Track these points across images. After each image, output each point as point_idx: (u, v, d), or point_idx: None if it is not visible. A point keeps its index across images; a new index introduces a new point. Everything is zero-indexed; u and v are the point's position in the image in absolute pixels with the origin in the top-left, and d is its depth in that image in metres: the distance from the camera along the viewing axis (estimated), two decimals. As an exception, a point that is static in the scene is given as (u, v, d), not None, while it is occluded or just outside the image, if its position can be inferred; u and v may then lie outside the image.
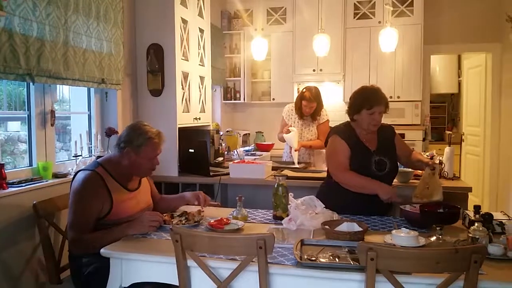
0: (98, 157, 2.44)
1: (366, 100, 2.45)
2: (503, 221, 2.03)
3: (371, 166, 2.46)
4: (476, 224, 1.82)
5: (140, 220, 2.07)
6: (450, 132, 6.00)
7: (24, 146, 2.76)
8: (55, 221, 2.48)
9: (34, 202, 2.31)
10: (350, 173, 2.46)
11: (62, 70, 2.56)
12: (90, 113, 3.26)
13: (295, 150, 3.79)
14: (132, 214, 2.18)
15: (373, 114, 2.44)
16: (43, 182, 2.54)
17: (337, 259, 1.69)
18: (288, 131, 3.81)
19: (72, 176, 2.70)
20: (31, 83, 2.42)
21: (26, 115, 2.61)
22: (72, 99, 3.27)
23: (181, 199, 2.51)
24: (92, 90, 3.23)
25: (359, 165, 2.46)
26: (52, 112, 2.71)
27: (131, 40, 3.48)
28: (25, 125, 2.65)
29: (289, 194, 2.35)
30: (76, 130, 3.16)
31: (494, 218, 2.03)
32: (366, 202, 2.41)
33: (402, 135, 5.13)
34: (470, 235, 1.79)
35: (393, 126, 2.71)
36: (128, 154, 2.17)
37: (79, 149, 2.89)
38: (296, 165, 3.68)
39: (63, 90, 3.17)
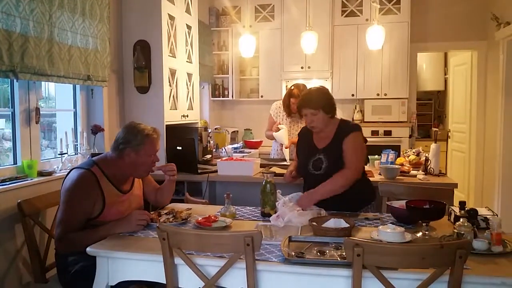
0: (93, 155, 2.40)
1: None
2: (488, 216, 2.06)
3: (309, 165, 2.51)
4: (461, 219, 1.84)
5: (128, 218, 2.06)
6: (436, 129, 6.07)
7: (8, 144, 2.72)
8: (41, 220, 2.45)
9: (19, 200, 2.27)
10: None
11: (47, 66, 2.52)
12: (76, 110, 3.22)
13: (286, 147, 3.80)
14: (122, 216, 2.16)
15: (306, 116, 2.49)
16: (28, 180, 2.50)
17: (324, 255, 1.70)
18: (278, 129, 3.82)
19: (57, 173, 2.71)
20: (14, 80, 2.38)
21: (10, 113, 2.57)
22: (58, 96, 3.23)
23: (167, 181, 2.46)
24: (77, 87, 3.19)
25: (301, 162, 2.61)
26: (37, 109, 2.67)
27: (117, 37, 3.44)
28: (10, 123, 2.61)
29: (277, 191, 2.35)
30: (62, 127, 3.11)
31: (479, 213, 2.05)
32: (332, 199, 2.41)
33: (389, 132, 5.19)
34: (456, 230, 1.82)
35: (355, 129, 2.47)
36: (129, 154, 2.15)
37: (64, 147, 2.86)
38: (288, 162, 3.68)
39: (49, 87, 3.13)
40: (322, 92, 2.53)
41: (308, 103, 2.46)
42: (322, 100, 2.46)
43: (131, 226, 2.04)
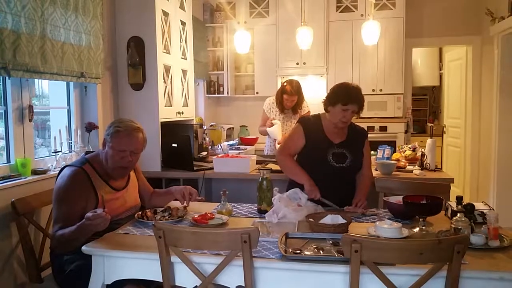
0: (87, 153, 2.37)
1: (344, 95, 2.45)
2: (484, 211, 2.06)
3: (328, 157, 2.50)
4: (458, 214, 1.84)
5: (83, 227, 1.85)
6: (432, 124, 6.04)
7: (1, 143, 2.68)
8: (35, 219, 2.42)
9: (13, 199, 2.24)
10: (287, 157, 2.60)
11: (39, 63, 2.49)
12: (70, 108, 3.19)
13: (278, 143, 3.79)
14: (118, 213, 2.14)
15: (346, 111, 2.45)
16: (21, 179, 2.47)
17: (321, 252, 1.70)
18: (272, 124, 3.81)
19: (52, 172, 2.68)
20: (6, 77, 2.35)
21: (3, 111, 2.54)
22: (51, 94, 3.19)
23: (169, 194, 2.43)
24: (71, 84, 3.16)
25: (315, 154, 2.53)
26: (30, 107, 2.63)
27: (111, 33, 3.41)
28: (2, 121, 2.57)
29: (274, 188, 2.33)
30: (56, 125, 3.08)
31: (476, 208, 2.05)
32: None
33: (385, 128, 5.20)
34: (453, 225, 1.81)
35: (367, 132, 2.72)
36: (104, 145, 2.14)
37: (58, 145, 2.83)
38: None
39: (42, 85, 3.09)
40: None
41: (360, 103, 2.46)
42: (364, 101, 2.51)
43: (91, 229, 1.85)
